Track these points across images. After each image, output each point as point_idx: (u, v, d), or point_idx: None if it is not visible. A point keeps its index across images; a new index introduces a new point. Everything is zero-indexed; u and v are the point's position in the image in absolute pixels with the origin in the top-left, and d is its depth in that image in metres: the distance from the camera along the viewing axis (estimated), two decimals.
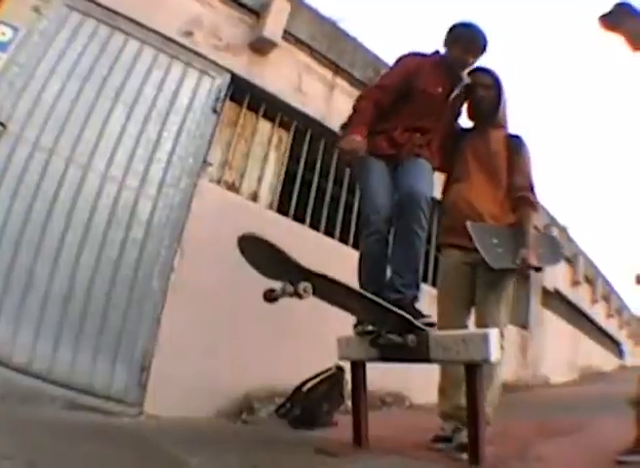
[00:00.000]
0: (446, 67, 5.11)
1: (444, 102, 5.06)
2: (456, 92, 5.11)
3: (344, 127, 5.07)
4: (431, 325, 4.33)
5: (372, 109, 4.85)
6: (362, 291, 4.27)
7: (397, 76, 5.06)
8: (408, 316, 4.19)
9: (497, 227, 4.90)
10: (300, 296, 3.87)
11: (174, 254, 6.43)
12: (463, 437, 4.35)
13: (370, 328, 4.51)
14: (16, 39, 5.99)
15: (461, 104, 5.35)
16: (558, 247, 5.74)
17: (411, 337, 4.17)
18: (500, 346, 4.60)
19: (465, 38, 5.02)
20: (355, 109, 4.96)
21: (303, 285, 3.84)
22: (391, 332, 4.29)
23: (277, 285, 3.98)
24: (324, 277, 3.94)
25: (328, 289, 4.02)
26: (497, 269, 4.69)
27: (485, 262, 4.66)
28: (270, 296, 3.91)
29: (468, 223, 4.75)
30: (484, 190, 4.98)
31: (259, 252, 4.00)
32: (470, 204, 4.92)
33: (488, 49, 5.08)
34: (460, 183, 5.11)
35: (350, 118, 4.98)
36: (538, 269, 5.11)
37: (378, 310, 4.19)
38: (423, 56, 5.22)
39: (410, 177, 4.76)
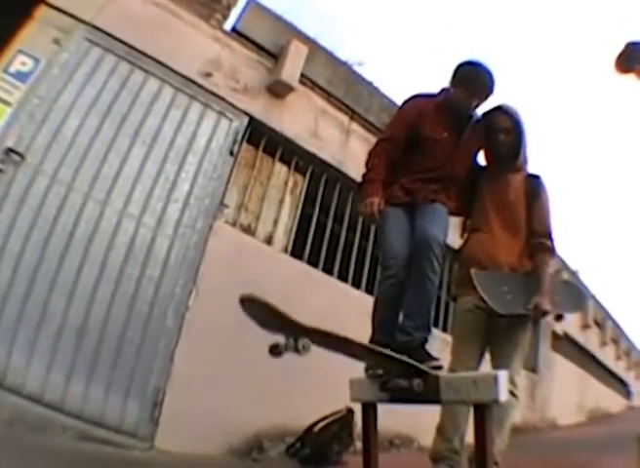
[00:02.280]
0: (451, 109, 4.94)
1: (454, 147, 4.94)
2: (465, 134, 4.99)
3: (361, 185, 4.98)
4: (438, 368, 4.34)
5: (384, 164, 4.83)
6: (360, 341, 4.21)
7: (400, 126, 4.99)
8: (413, 362, 4.22)
9: (508, 275, 4.84)
10: (300, 353, 3.90)
11: (189, 294, 6.49)
12: None
13: (380, 372, 4.53)
14: (36, 70, 6.10)
15: (477, 145, 5.19)
16: (581, 294, 5.69)
17: (417, 382, 4.17)
18: (513, 394, 4.66)
19: (470, 80, 4.83)
20: (368, 168, 4.92)
21: (302, 342, 3.86)
22: (399, 377, 4.32)
23: (281, 339, 4.01)
24: (321, 332, 3.97)
25: (328, 341, 4.06)
26: (506, 315, 4.64)
27: (494, 312, 4.62)
28: (275, 351, 3.95)
29: (472, 271, 4.73)
30: (505, 242, 4.90)
31: (258, 311, 4.04)
32: (492, 257, 4.84)
33: (495, 91, 4.94)
34: (481, 234, 5.02)
35: (365, 177, 4.93)
36: (558, 317, 5.07)
37: (381, 357, 4.24)
38: (427, 97, 5.09)
39: (424, 222, 4.73)
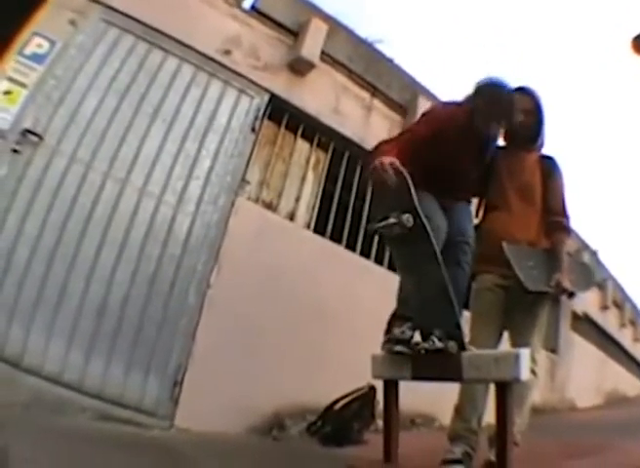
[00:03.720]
0: (473, 132, 4.75)
1: (474, 168, 4.91)
2: (485, 162, 4.97)
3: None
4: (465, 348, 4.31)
5: (399, 153, 4.41)
6: (444, 268, 4.22)
7: (430, 128, 4.69)
8: (461, 324, 4.20)
9: (532, 250, 4.85)
10: (402, 226, 3.99)
11: (210, 271, 6.47)
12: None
13: (409, 333, 4.49)
14: (52, 52, 6.07)
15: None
16: (590, 274, 5.70)
17: (451, 344, 4.16)
18: (533, 372, 4.64)
19: (489, 106, 4.67)
20: (379, 152, 4.52)
21: (407, 215, 3.98)
22: (434, 335, 4.28)
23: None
24: (424, 225, 4.07)
25: (420, 239, 4.10)
26: (533, 291, 4.65)
27: (521, 285, 4.61)
28: (371, 229, 4.04)
29: (505, 244, 4.69)
30: (523, 219, 4.90)
31: (390, 177, 4.09)
32: (511, 234, 4.81)
33: (514, 113, 4.82)
34: (500, 212, 5.01)
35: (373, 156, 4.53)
36: (570, 295, 5.05)
37: (441, 298, 4.20)
38: (454, 116, 4.78)
39: (460, 217, 4.83)
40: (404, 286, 4.72)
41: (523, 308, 4.83)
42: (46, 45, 6.04)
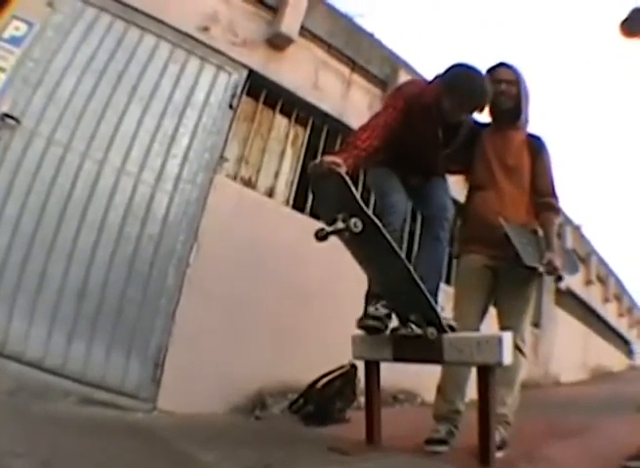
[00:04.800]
0: (440, 114, 4.67)
1: (443, 148, 4.86)
2: (455, 142, 4.88)
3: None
4: (452, 328, 4.27)
5: (372, 144, 4.42)
6: (404, 258, 4.18)
7: (397, 116, 4.62)
8: (436, 308, 4.17)
9: (524, 229, 4.84)
10: (349, 232, 3.90)
11: (189, 250, 6.43)
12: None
13: (384, 311, 4.47)
14: (30, 34, 5.99)
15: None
16: (575, 260, 5.73)
17: (431, 330, 4.12)
18: (522, 352, 4.66)
19: (461, 92, 4.55)
20: (355, 136, 4.53)
21: (354, 220, 3.89)
22: (411, 321, 4.26)
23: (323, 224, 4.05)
24: (375, 222, 3.99)
25: (373, 237, 4.03)
26: (528, 266, 4.62)
27: (515, 261, 4.60)
28: (321, 234, 3.90)
29: (504, 223, 4.67)
30: (512, 199, 4.87)
31: (327, 182, 4.03)
32: (500, 214, 4.75)
33: (487, 102, 4.75)
34: (487, 192, 4.96)
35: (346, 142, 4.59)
36: (559, 278, 5.04)
37: (410, 287, 4.16)
38: (421, 95, 4.74)
39: (436, 191, 4.90)
40: (369, 277, 4.68)
41: (512, 290, 4.86)
42: (24, 27, 5.96)
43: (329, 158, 4.22)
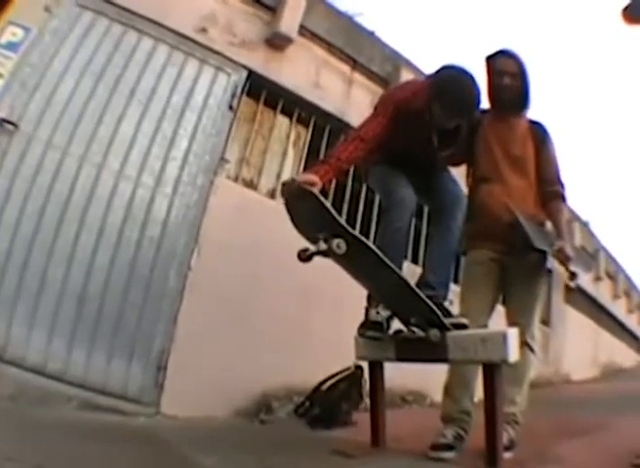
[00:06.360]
0: (432, 117, 4.53)
1: (439, 151, 4.73)
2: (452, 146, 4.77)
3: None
4: (462, 326, 4.20)
5: (355, 154, 4.38)
6: (394, 266, 4.08)
7: (388, 122, 4.54)
8: (437, 310, 4.09)
9: (533, 221, 4.72)
10: (333, 253, 3.81)
11: (191, 253, 6.40)
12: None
13: (385, 313, 4.38)
14: (27, 39, 5.99)
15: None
16: (586, 258, 5.70)
17: (433, 332, 4.05)
18: (531, 349, 4.60)
19: (450, 99, 4.38)
20: (336, 148, 4.59)
21: (337, 241, 3.78)
22: (413, 324, 4.19)
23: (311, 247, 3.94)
24: (359, 239, 3.92)
25: (360, 253, 3.93)
26: (537, 248, 4.50)
27: (527, 244, 4.48)
28: (304, 255, 3.83)
29: (519, 216, 4.57)
30: (519, 191, 4.78)
31: (303, 203, 3.92)
32: (508, 207, 4.65)
33: (477, 108, 4.66)
34: (492, 184, 4.85)
35: (330, 156, 4.45)
36: (572, 275, 4.97)
37: (406, 294, 4.10)
38: (412, 99, 4.62)
39: (448, 183, 4.81)
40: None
41: (521, 286, 4.78)
42: (21, 33, 5.97)
43: (302, 176, 4.20)
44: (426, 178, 4.79)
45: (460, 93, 4.40)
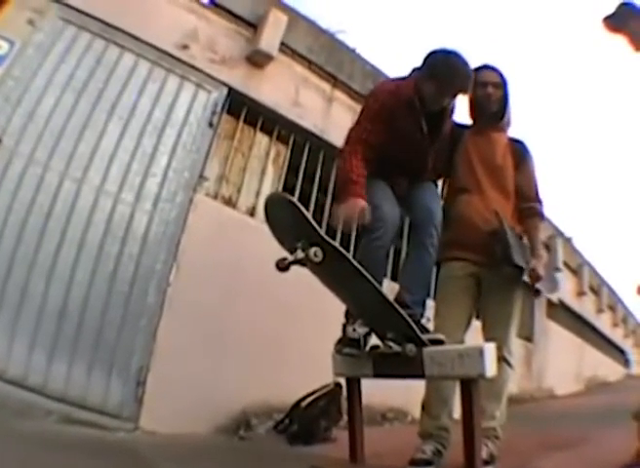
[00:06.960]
0: (422, 104, 4.52)
1: (429, 144, 4.70)
2: (441, 137, 4.77)
3: (341, 185, 4.64)
4: (438, 342, 4.21)
5: (363, 164, 4.46)
6: (371, 278, 4.04)
7: (373, 122, 4.58)
8: (414, 326, 4.09)
9: (513, 232, 4.67)
10: (310, 262, 3.79)
11: (169, 270, 6.41)
12: None
13: (362, 330, 4.38)
14: (11, 53, 6.00)
15: (452, 141, 5.01)
16: (555, 278, 5.71)
17: (409, 347, 4.05)
18: (509, 363, 4.59)
19: (442, 77, 4.40)
20: (348, 168, 4.48)
21: (314, 249, 3.76)
22: (389, 339, 4.19)
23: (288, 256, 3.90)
24: (335, 248, 3.87)
25: (337, 263, 3.89)
26: (516, 264, 4.49)
27: (505, 258, 4.48)
28: (282, 264, 3.82)
29: (501, 217, 4.59)
30: (498, 204, 4.75)
31: (283, 212, 3.92)
32: (486, 219, 4.67)
33: (470, 87, 4.60)
34: (471, 195, 4.85)
35: (346, 177, 4.49)
36: (536, 292, 4.98)
37: (383, 308, 4.09)
38: (397, 90, 4.61)
39: (424, 197, 4.75)
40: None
41: (497, 300, 4.76)
42: (5, 46, 5.99)
43: (354, 208, 4.23)
44: (410, 190, 4.80)
45: (452, 68, 4.41)
